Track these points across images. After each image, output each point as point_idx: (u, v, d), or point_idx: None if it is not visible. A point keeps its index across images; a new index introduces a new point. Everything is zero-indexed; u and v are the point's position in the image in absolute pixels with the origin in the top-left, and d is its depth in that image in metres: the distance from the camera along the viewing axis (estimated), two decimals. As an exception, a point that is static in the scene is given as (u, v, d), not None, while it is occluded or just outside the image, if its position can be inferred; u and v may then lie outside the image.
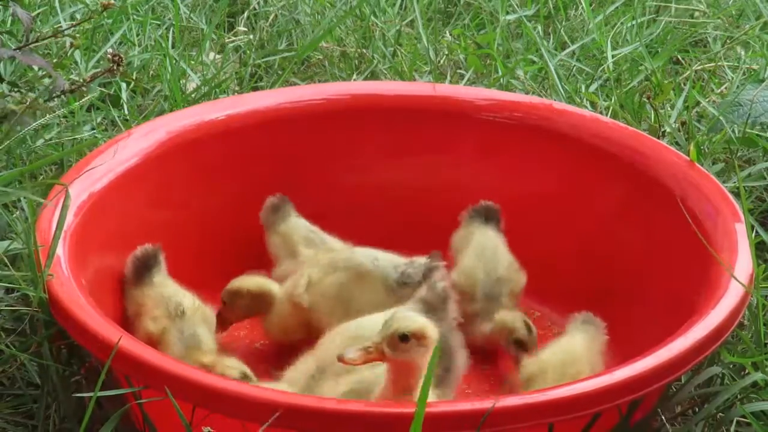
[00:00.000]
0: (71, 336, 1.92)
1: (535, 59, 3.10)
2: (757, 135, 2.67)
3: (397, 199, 2.51)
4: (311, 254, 2.32)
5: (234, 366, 2.05)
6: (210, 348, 2.11)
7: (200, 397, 1.77)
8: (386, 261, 2.21)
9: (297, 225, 2.38)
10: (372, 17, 3.22)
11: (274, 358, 2.22)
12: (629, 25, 3.26)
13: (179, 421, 1.78)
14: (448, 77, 3.07)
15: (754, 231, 2.36)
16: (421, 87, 2.68)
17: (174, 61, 2.92)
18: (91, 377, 2.03)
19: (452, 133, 2.52)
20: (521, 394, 1.84)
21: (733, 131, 2.69)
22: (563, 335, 2.16)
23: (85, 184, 2.18)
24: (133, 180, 2.28)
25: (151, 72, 3.00)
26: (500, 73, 3.00)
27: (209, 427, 1.76)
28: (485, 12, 3.37)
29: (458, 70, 3.13)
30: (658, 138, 2.60)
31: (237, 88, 2.98)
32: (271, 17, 3.30)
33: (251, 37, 3.23)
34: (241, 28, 3.30)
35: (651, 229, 2.32)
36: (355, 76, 3.05)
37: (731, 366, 2.08)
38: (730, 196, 2.22)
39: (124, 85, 2.86)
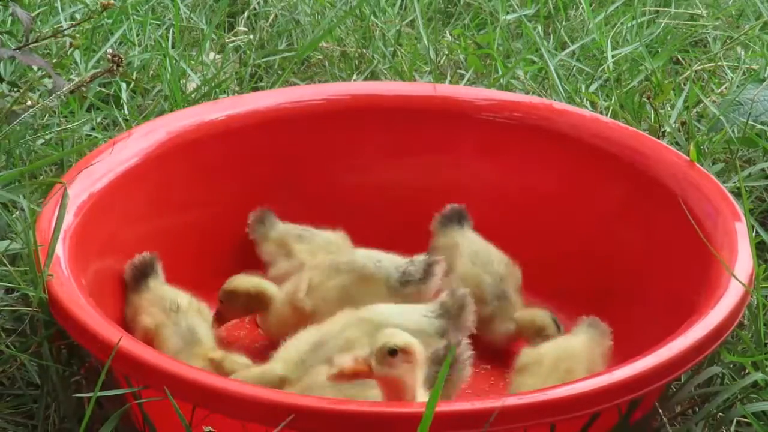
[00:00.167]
0: (71, 336, 1.92)
1: (535, 59, 3.10)
2: (757, 135, 2.67)
3: (397, 199, 2.51)
4: (305, 249, 2.33)
5: (242, 362, 2.05)
6: (210, 343, 2.12)
7: (200, 397, 1.77)
8: (388, 262, 2.22)
9: (287, 228, 2.39)
10: (372, 17, 3.22)
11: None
12: (629, 25, 3.26)
13: (179, 421, 1.78)
14: (448, 77, 3.07)
15: (754, 231, 2.36)
16: (421, 87, 2.68)
17: (174, 61, 2.92)
18: (91, 377, 2.03)
19: (452, 133, 2.52)
20: (521, 394, 1.84)
21: (733, 131, 2.69)
22: (567, 334, 2.16)
23: (85, 184, 2.18)
24: (133, 180, 2.28)
25: (151, 72, 3.00)
26: (500, 73, 3.00)
27: (209, 427, 1.76)
28: (485, 12, 3.37)
29: (458, 70, 3.13)
30: (658, 138, 2.60)
31: (237, 88, 2.98)
32: (271, 17, 3.30)
33: (251, 37, 3.23)
34: (241, 28, 3.30)
35: (651, 229, 2.32)
36: (355, 76, 3.05)
37: (731, 366, 2.08)
38: (730, 196, 2.22)
39: (124, 85, 2.86)
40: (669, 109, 2.87)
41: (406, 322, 2.05)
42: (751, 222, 2.26)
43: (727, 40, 3.24)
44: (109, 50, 2.42)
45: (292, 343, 2.07)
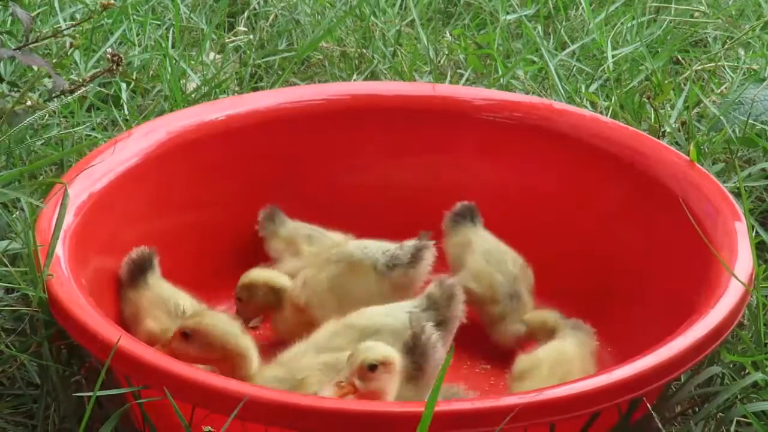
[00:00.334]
0: (71, 336, 1.92)
1: (535, 59, 3.10)
2: (757, 135, 2.67)
3: (396, 199, 2.51)
4: (313, 251, 2.33)
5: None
6: None
7: (200, 397, 1.77)
8: (375, 247, 2.22)
9: (296, 226, 2.39)
10: (372, 17, 3.22)
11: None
12: (629, 25, 3.26)
13: (179, 421, 1.78)
14: (448, 77, 3.07)
15: (754, 231, 2.36)
16: (421, 87, 2.68)
17: (174, 61, 2.92)
18: (91, 377, 2.03)
19: (452, 133, 2.52)
20: (521, 394, 1.84)
21: (734, 131, 2.69)
22: (555, 339, 2.15)
23: (85, 184, 2.18)
24: (133, 180, 2.28)
25: (151, 72, 3.00)
26: (500, 73, 3.00)
27: (209, 427, 1.76)
28: (485, 12, 3.37)
29: (458, 70, 3.13)
30: (658, 138, 2.60)
31: (237, 88, 2.98)
32: (271, 17, 3.30)
33: (251, 37, 3.23)
34: (241, 28, 3.30)
35: (651, 229, 2.32)
36: (355, 76, 3.05)
37: (731, 366, 2.08)
38: (730, 196, 2.22)
39: (124, 85, 2.86)
40: (669, 109, 2.87)
41: (392, 321, 2.05)
42: (751, 222, 2.26)
43: (727, 40, 3.24)
44: (109, 50, 2.41)
45: (283, 356, 2.06)
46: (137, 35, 3.12)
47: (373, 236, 2.34)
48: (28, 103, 2.33)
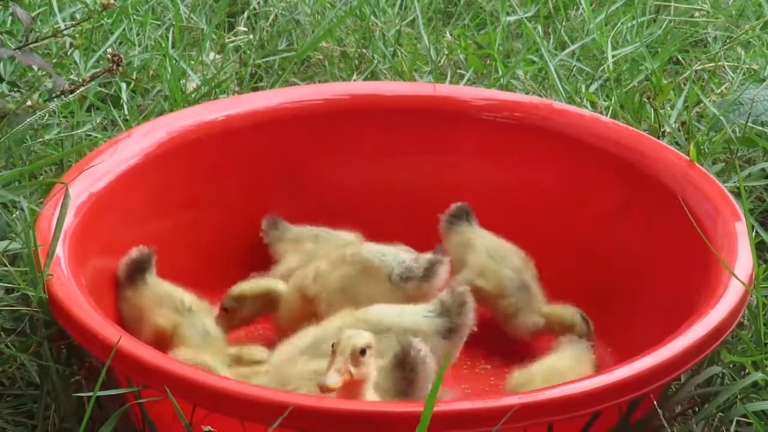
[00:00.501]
0: (71, 336, 1.92)
1: (535, 59, 3.10)
2: (757, 135, 2.67)
3: (397, 199, 2.51)
4: (321, 248, 2.33)
5: (259, 351, 2.08)
6: (222, 339, 2.12)
7: (200, 397, 1.77)
8: (392, 256, 2.22)
9: (301, 229, 2.39)
10: (372, 17, 3.22)
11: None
12: (629, 25, 3.26)
13: (179, 420, 1.78)
14: (448, 77, 3.07)
15: (754, 231, 2.36)
16: (421, 87, 2.68)
17: (174, 61, 2.92)
18: (91, 377, 2.03)
19: (452, 133, 2.52)
20: (521, 394, 1.84)
21: (734, 131, 2.69)
22: (551, 353, 2.15)
23: (85, 184, 2.18)
24: (133, 180, 2.28)
25: (151, 72, 3.00)
26: (500, 73, 3.00)
27: (209, 427, 1.76)
28: (485, 12, 3.37)
29: (458, 70, 3.13)
30: (658, 138, 2.60)
31: (237, 88, 2.98)
32: (271, 17, 3.30)
33: (251, 37, 3.23)
34: (241, 28, 3.29)
35: (651, 229, 2.32)
36: (355, 76, 3.05)
37: (731, 365, 2.08)
38: (730, 196, 2.22)
39: (124, 85, 2.86)
40: (669, 109, 2.87)
41: (404, 322, 2.06)
42: (751, 222, 2.26)
43: (727, 40, 3.24)
44: (109, 50, 2.41)
45: (290, 341, 2.07)
46: (137, 35, 3.12)
47: (373, 236, 2.35)
48: (28, 103, 2.33)
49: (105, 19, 3.07)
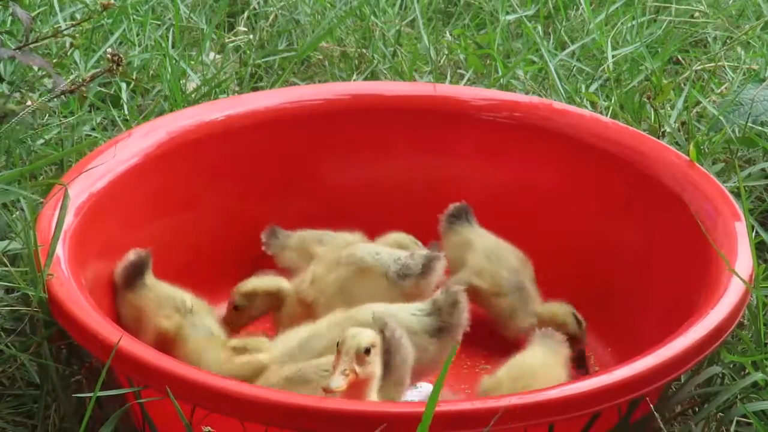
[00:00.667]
0: (71, 336, 1.92)
1: (535, 59, 3.10)
2: (757, 135, 2.67)
3: (397, 199, 2.51)
4: (327, 251, 2.33)
5: (263, 340, 2.07)
6: (222, 335, 2.13)
7: (200, 397, 1.77)
8: (387, 254, 2.22)
9: (303, 234, 2.38)
10: (372, 17, 3.22)
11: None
12: (629, 25, 3.26)
13: (179, 420, 1.78)
14: (448, 77, 3.07)
15: (754, 231, 2.36)
16: (421, 87, 2.68)
17: (174, 61, 2.92)
18: (91, 377, 2.03)
19: (452, 133, 2.52)
20: (521, 394, 1.84)
21: (733, 131, 2.69)
22: (523, 351, 2.14)
23: (85, 184, 2.18)
24: (133, 180, 2.28)
25: (151, 72, 3.00)
26: (500, 73, 3.00)
27: (209, 427, 1.76)
28: (485, 12, 3.37)
29: (458, 70, 3.13)
30: (658, 138, 2.60)
31: (237, 88, 2.98)
32: (271, 17, 3.30)
33: (251, 37, 3.23)
34: (241, 28, 3.30)
35: (651, 229, 2.32)
36: (355, 76, 3.05)
37: (731, 366, 2.08)
38: (730, 196, 2.22)
39: (124, 85, 2.86)
40: (669, 109, 2.87)
41: (398, 318, 2.05)
42: (751, 222, 2.26)
43: (727, 40, 3.24)
44: (109, 50, 2.41)
45: (283, 338, 2.07)
46: (137, 35, 3.12)
47: (373, 236, 2.35)
48: (28, 103, 2.33)
49: (105, 19, 3.07)
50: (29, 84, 2.63)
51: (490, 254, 2.34)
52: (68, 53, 2.83)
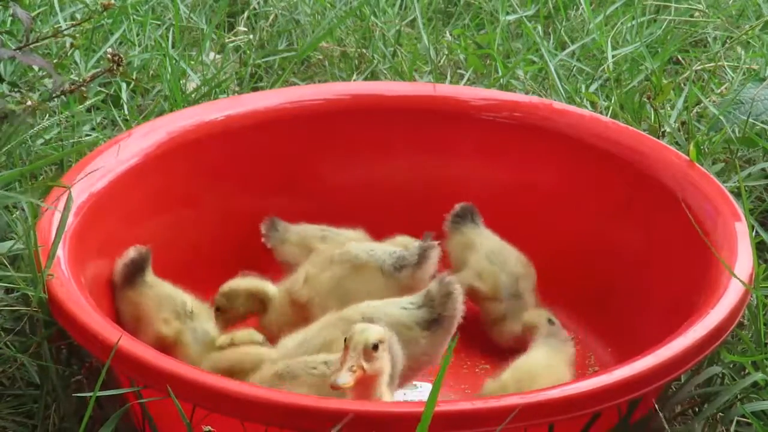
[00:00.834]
0: (71, 336, 1.92)
1: (535, 59, 3.10)
2: (757, 135, 2.67)
3: (396, 199, 2.51)
4: (330, 248, 2.32)
5: (250, 333, 2.07)
6: (216, 336, 2.13)
7: (200, 397, 1.77)
8: (381, 250, 2.22)
9: (305, 228, 2.38)
10: (372, 17, 3.22)
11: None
12: (629, 25, 3.26)
13: (179, 420, 1.78)
14: (448, 77, 3.07)
15: (754, 231, 2.36)
16: (421, 87, 2.68)
17: (174, 61, 2.92)
18: (91, 377, 2.03)
19: (452, 133, 2.52)
20: (522, 394, 1.84)
21: (733, 131, 2.69)
22: (527, 352, 2.14)
23: (85, 185, 2.18)
24: (133, 180, 2.28)
25: (151, 72, 3.00)
26: (500, 73, 3.00)
27: (209, 427, 1.76)
28: (485, 12, 3.37)
29: (458, 70, 3.13)
30: (658, 138, 2.60)
31: (237, 88, 2.98)
32: (271, 17, 3.30)
33: (251, 37, 3.23)
34: (241, 28, 3.30)
35: (651, 229, 2.32)
36: (355, 76, 3.05)
37: (731, 366, 2.08)
38: (730, 196, 2.22)
39: (124, 85, 2.86)
40: (669, 109, 2.87)
41: (383, 317, 2.05)
42: (751, 222, 2.26)
43: (727, 40, 3.24)
44: (109, 50, 2.41)
45: (283, 341, 2.07)
46: (137, 35, 3.12)
47: (373, 236, 2.35)
48: (29, 103, 2.33)
49: (105, 19, 3.07)
50: (29, 84, 2.63)
51: (491, 256, 2.34)
52: (68, 53, 2.83)
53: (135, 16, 3.16)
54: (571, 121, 2.47)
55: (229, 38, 3.24)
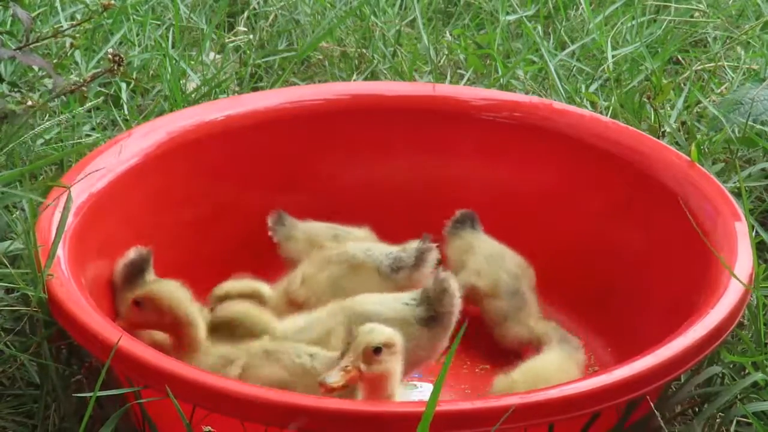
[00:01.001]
0: (71, 336, 1.92)
1: (535, 59, 3.10)
2: (757, 135, 2.67)
3: (396, 199, 2.51)
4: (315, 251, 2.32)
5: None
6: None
7: (200, 397, 1.77)
8: (378, 250, 2.22)
9: (313, 226, 2.38)
10: (372, 17, 3.22)
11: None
12: (629, 25, 3.26)
13: (179, 420, 1.78)
14: (448, 77, 3.07)
15: (754, 231, 2.36)
16: (421, 87, 2.68)
17: (174, 61, 2.92)
18: (91, 377, 2.03)
19: (452, 133, 2.52)
20: (521, 394, 1.84)
21: (734, 131, 2.69)
22: (539, 354, 2.14)
23: (85, 185, 2.18)
24: (133, 180, 2.28)
25: (151, 72, 3.01)
26: (500, 73, 3.00)
27: (209, 427, 1.76)
28: (485, 12, 3.37)
29: (458, 70, 3.13)
30: (658, 138, 2.60)
31: (237, 88, 2.98)
32: (271, 17, 3.30)
33: (251, 37, 3.23)
34: (241, 28, 3.30)
35: (651, 229, 2.32)
36: (355, 76, 3.05)
37: (731, 365, 2.08)
38: (730, 196, 2.22)
39: (124, 85, 2.86)
40: (669, 109, 2.87)
41: (385, 310, 2.05)
42: (751, 222, 2.26)
43: (727, 40, 3.24)
44: (110, 50, 2.42)
45: (291, 319, 2.09)
46: (137, 35, 3.12)
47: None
48: (29, 103, 2.33)
49: (105, 19, 3.07)
50: (29, 84, 2.63)
51: (490, 258, 2.34)
52: (68, 53, 2.83)
53: (135, 17, 3.16)
54: (571, 121, 2.47)
55: (229, 38, 3.24)
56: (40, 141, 2.58)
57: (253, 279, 2.26)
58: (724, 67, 3.10)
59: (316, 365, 1.93)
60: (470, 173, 2.50)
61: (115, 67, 2.33)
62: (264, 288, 2.25)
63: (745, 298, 2.00)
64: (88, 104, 2.68)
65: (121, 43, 3.10)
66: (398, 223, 2.44)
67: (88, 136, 2.67)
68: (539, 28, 3.25)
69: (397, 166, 2.53)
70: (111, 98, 2.85)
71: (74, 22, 2.81)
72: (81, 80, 2.43)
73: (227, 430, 1.77)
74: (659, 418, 1.90)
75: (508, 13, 3.30)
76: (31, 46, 2.35)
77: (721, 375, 2.08)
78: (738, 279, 1.99)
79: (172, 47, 3.06)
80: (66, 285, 1.95)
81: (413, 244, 2.23)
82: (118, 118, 2.76)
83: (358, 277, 2.21)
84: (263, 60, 3.11)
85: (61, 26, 2.97)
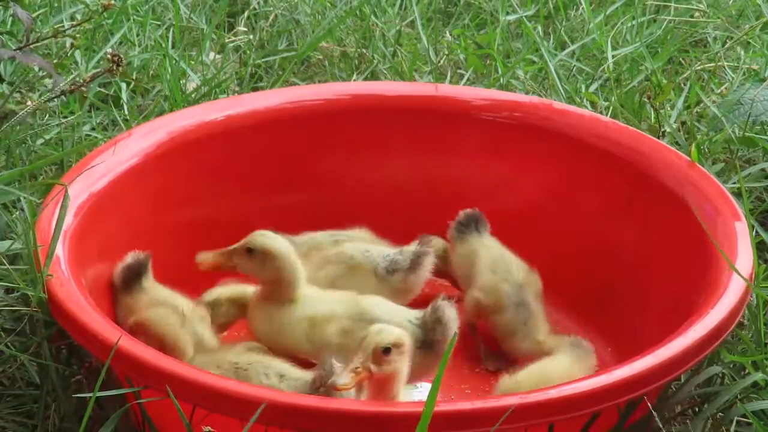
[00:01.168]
0: (71, 336, 1.92)
1: (535, 59, 3.10)
2: (757, 135, 2.67)
3: (396, 199, 2.51)
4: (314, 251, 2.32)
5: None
6: (215, 342, 2.12)
7: (200, 397, 1.77)
8: (376, 251, 2.22)
9: (313, 237, 2.36)
10: (372, 17, 3.22)
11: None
12: (629, 25, 3.26)
13: (179, 420, 1.78)
14: (448, 77, 3.07)
15: (754, 231, 2.36)
16: (421, 87, 2.68)
17: (174, 61, 2.92)
18: (91, 377, 2.03)
19: (452, 133, 2.52)
20: (521, 394, 1.84)
21: (734, 131, 2.69)
22: (550, 356, 2.14)
23: (85, 184, 2.18)
24: (133, 180, 2.28)
25: (151, 72, 3.01)
26: (500, 73, 3.00)
27: (209, 427, 1.76)
28: (485, 12, 3.37)
29: (458, 70, 3.13)
30: (658, 138, 2.60)
31: (237, 88, 2.98)
32: (271, 17, 3.30)
33: (251, 37, 3.23)
34: (241, 28, 3.30)
35: (651, 229, 2.32)
36: (355, 76, 3.05)
37: (731, 365, 2.08)
38: (730, 196, 2.22)
39: (124, 85, 2.86)
40: (669, 109, 2.87)
41: (391, 320, 2.04)
42: (751, 222, 2.26)
43: (727, 40, 3.24)
44: (109, 50, 2.42)
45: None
46: (137, 35, 3.12)
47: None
48: (28, 103, 2.33)
49: (105, 19, 3.08)
50: (29, 84, 2.63)
51: (495, 268, 2.31)
52: (68, 53, 2.83)
53: (135, 17, 3.16)
54: (571, 121, 2.47)
55: (229, 38, 3.24)
56: (40, 141, 2.58)
57: (240, 284, 2.26)
58: (724, 67, 3.11)
59: (283, 387, 1.93)
60: (470, 173, 2.50)
61: (115, 67, 2.33)
62: (250, 291, 2.24)
63: (745, 297, 2.00)
64: (88, 105, 2.68)
65: (121, 43, 3.10)
66: (398, 223, 2.44)
67: (88, 136, 2.67)
68: (539, 28, 3.25)
69: (397, 166, 2.53)
70: (111, 98, 2.85)
71: (74, 22, 2.81)
72: (81, 80, 2.43)
73: (227, 430, 1.77)
74: (659, 419, 1.90)
75: (508, 13, 3.30)
76: (31, 46, 2.35)
77: (721, 375, 2.08)
78: (740, 274, 1.99)
79: (172, 47, 3.06)
80: (66, 285, 1.95)
81: (410, 247, 2.23)
82: (118, 118, 2.76)
83: (355, 277, 2.21)
84: (263, 60, 3.11)
85: (62, 26, 2.97)
